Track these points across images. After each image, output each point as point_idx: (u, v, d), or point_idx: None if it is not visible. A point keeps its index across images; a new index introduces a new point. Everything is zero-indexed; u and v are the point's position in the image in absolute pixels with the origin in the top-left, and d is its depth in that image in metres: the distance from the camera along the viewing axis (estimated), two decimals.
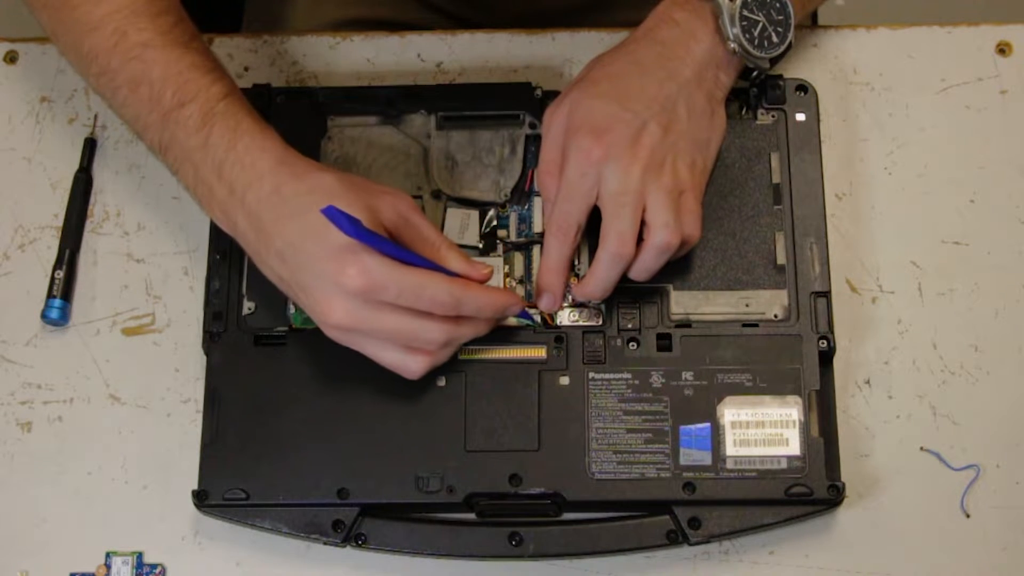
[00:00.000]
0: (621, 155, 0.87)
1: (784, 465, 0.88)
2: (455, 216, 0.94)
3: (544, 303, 0.91)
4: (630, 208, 0.87)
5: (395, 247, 0.84)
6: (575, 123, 0.89)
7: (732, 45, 0.91)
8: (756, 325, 0.91)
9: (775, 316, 0.92)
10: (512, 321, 0.92)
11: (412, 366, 0.86)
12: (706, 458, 0.88)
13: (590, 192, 0.88)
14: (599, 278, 0.89)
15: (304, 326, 0.92)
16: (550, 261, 0.90)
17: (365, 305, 0.84)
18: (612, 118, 0.88)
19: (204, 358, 0.92)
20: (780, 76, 0.96)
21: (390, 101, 0.97)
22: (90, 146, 1.00)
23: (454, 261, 0.87)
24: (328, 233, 0.83)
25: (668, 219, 0.87)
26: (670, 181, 0.88)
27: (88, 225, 0.98)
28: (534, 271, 0.93)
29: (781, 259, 0.92)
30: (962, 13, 1.10)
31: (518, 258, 0.94)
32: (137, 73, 0.89)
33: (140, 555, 0.91)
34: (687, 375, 0.90)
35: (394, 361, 0.86)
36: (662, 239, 0.88)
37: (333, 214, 0.81)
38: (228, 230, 0.89)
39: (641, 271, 0.89)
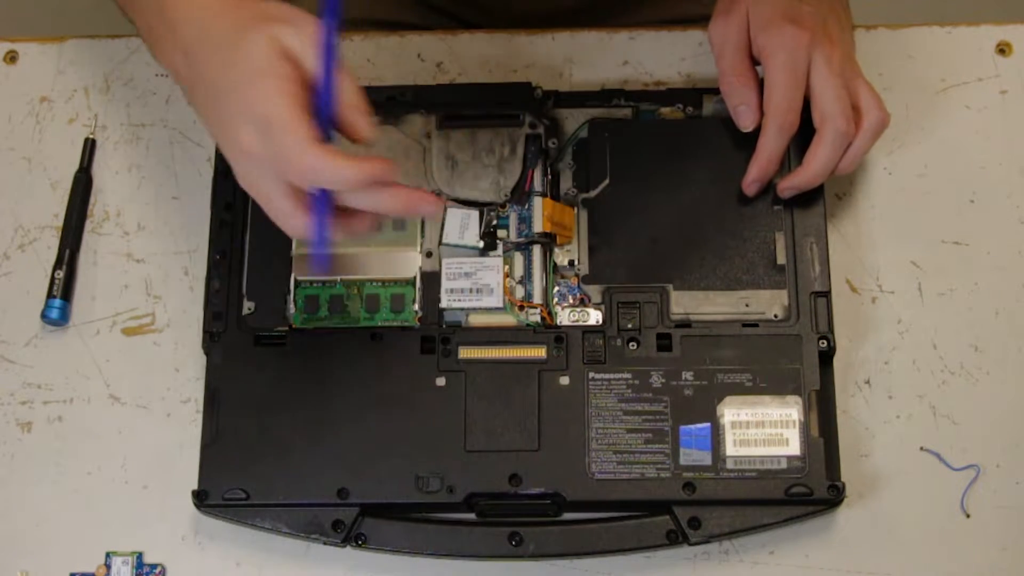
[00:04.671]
0: (823, 41, 0.91)
1: (784, 465, 0.88)
2: (455, 216, 0.94)
3: (755, 189, 0.93)
4: (843, 90, 0.91)
5: (332, 70, 0.80)
6: (766, 17, 0.92)
7: None
8: (756, 325, 0.91)
9: (775, 316, 0.92)
10: (511, 320, 0.92)
11: (293, 220, 0.82)
12: (706, 458, 0.88)
13: (805, 78, 0.91)
14: (823, 162, 0.91)
15: (304, 326, 0.92)
16: (773, 150, 0.92)
17: None
18: (796, 9, 0.92)
19: (204, 358, 0.92)
20: None
21: (390, 101, 0.97)
22: (90, 146, 1.00)
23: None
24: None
25: (874, 99, 0.92)
26: (855, 65, 0.93)
27: (88, 225, 0.98)
28: (534, 271, 0.93)
29: (781, 259, 0.93)
30: (962, 13, 1.10)
31: (518, 258, 0.94)
32: None
33: (140, 555, 0.91)
34: (687, 375, 0.90)
35: (281, 208, 0.82)
36: (878, 118, 0.92)
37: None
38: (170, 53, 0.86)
39: (856, 156, 0.92)
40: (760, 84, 0.93)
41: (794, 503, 0.88)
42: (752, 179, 0.92)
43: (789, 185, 0.92)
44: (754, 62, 0.94)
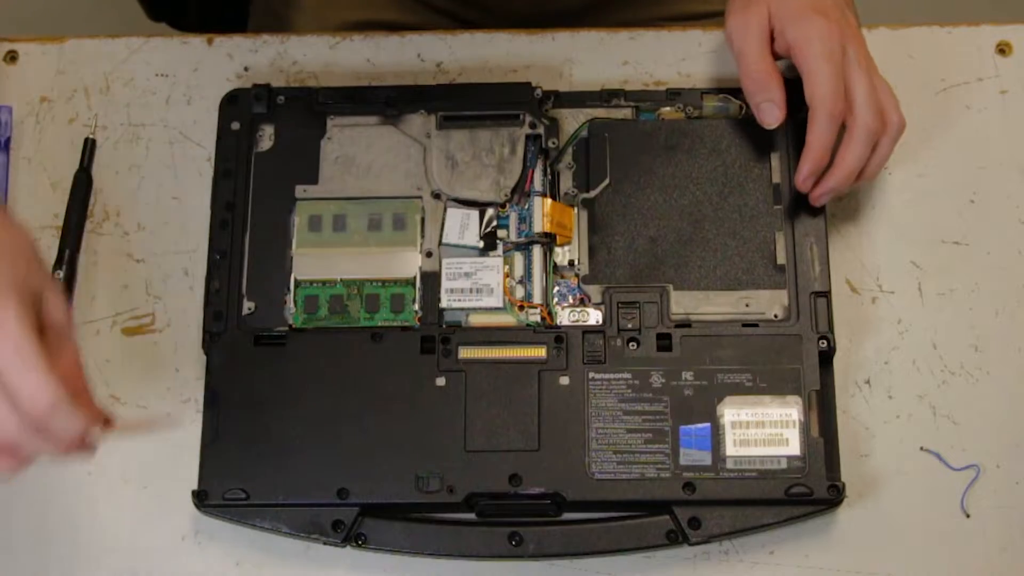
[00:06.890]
0: (851, 35, 0.90)
1: (784, 465, 0.88)
2: (455, 216, 0.94)
3: (809, 184, 0.91)
4: (873, 87, 0.90)
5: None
6: (793, 10, 0.90)
7: None
8: (756, 325, 0.91)
9: (775, 316, 0.92)
10: (511, 320, 0.92)
11: None
12: (706, 458, 0.88)
13: (842, 68, 0.89)
14: (855, 160, 0.90)
15: (304, 326, 0.92)
16: (825, 141, 0.90)
17: None
18: (821, 2, 0.90)
19: (204, 358, 0.92)
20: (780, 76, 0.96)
21: (390, 101, 0.97)
22: (90, 146, 1.00)
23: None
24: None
25: (895, 101, 0.91)
26: (873, 63, 0.92)
27: (88, 225, 0.98)
28: (534, 271, 0.93)
29: (781, 259, 0.93)
30: (962, 13, 1.10)
31: (518, 258, 0.94)
32: None
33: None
34: (687, 375, 0.90)
35: None
36: (898, 122, 0.91)
37: None
38: None
39: (881, 161, 0.92)
40: (784, 81, 0.92)
41: (794, 503, 0.88)
42: (808, 174, 0.91)
43: (824, 190, 0.91)
44: (775, 58, 0.93)
